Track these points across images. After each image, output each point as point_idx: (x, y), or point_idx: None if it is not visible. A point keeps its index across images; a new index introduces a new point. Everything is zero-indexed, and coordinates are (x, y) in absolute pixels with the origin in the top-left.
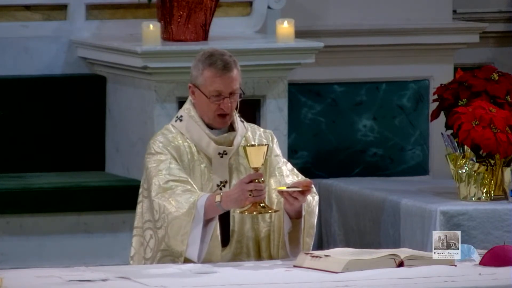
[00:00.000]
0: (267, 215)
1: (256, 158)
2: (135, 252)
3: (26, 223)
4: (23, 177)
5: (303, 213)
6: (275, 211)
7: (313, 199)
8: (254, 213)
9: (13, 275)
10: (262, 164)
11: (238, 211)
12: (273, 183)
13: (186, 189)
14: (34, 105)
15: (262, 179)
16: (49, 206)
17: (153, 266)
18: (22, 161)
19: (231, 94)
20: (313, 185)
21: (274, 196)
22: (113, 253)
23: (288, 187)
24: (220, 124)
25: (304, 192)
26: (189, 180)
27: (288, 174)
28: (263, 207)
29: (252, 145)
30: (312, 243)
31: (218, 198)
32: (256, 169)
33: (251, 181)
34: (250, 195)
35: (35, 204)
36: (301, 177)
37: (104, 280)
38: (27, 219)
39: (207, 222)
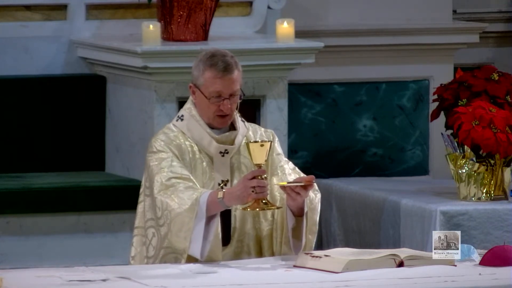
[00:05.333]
0: (269, 213)
1: (259, 155)
2: (136, 252)
3: (26, 223)
4: (23, 177)
5: (306, 209)
6: (278, 208)
7: (315, 196)
8: (257, 209)
9: (13, 275)
10: (265, 161)
11: (240, 208)
12: (275, 181)
13: (189, 186)
14: (34, 105)
15: (265, 175)
16: (49, 206)
17: (153, 266)
18: (22, 161)
19: (231, 95)
20: (315, 182)
21: (278, 194)
22: (113, 253)
23: (290, 182)
24: (219, 124)
25: (307, 187)
26: (191, 177)
27: (290, 173)
28: (265, 203)
29: (255, 142)
30: (315, 240)
31: (220, 195)
32: (259, 166)
33: (253, 178)
34: (252, 191)
35: (35, 204)
36: (303, 176)
37: (104, 280)
38: (27, 219)
39: (209, 219)
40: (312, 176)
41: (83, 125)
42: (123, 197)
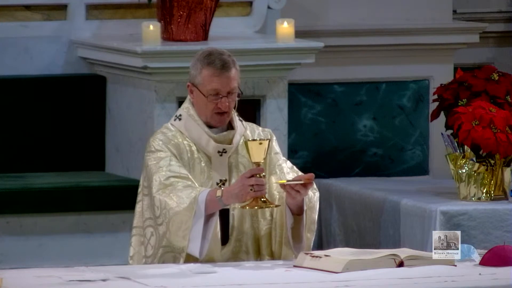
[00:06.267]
0: (267, 213)
1: (257, 153)
2: (135, 252)
3: (26, 223)
4: (23, 177)
5: (305, 208)
6: (276, 206)
7: (314, 194)
8: (255, 207)
9: (13, 275)
10: (264, 159)
11: (239, 206)
12: (274, 180)
13: (187, 185)
14: (34, 105)
15: (264, 174)
16: (49, 206)
17: (153, 266)
18: (22, 161)
19: (229, 93)
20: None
21: (276, 193)
22: (113, 253)
23: (290, 181)
24: (218, 123)
25: (306, 185)
26: (190, 176)
27: (288, 172)
28: (264, 202)
29: (254, 140)
30: (313, 238)
31: (219, 193)
32: (257, 164)
33: (252, 176)
34: (251, 190)
35: (35, 204)
36: (301, 174)
37: (104, 280)
38: (27, 219)
39: (208, 217)
40: (312, 174)
41: (83, 125)
42: (123, 197)
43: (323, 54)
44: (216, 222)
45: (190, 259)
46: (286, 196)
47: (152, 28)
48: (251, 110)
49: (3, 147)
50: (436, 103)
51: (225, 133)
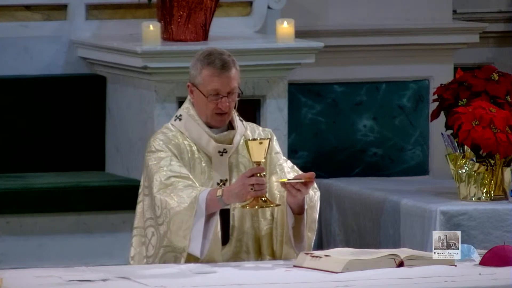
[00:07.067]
0: (268, 212)
1: (257, 153)
2: (136, 252)
3: (26, 223)
4: (23, 177)
5: (305, 207)
6: (277, 205)
7: (314, 194)
8: (256, 207)
9: (13, 275)
10: (264, 158)
11: (239, 206)
12: (274, 180)
13: (188, 184)
14: (34, 105)
15: (264, 173)
16: (49, 206)
17: (153, 266)
18: (22, 161)
19: (229, 93)
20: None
21: (277, 192)
22: (113, 253)
23: (290, 179)
24: (218, 123)
25: (307, 183)
26: (190, 176)
27: (289, 171)
28: (264, 201)
29: (254, 139)
30: (314, 237)
31: (219, 192)
32: (257, 163)
33: (252, 175)
34: (251, 189)
35: (35, 204)
36: (302, 173)
37: (104, 280)
38: (27, 219)
39: (209, 217)
40: (313, 173)
41: (83, 125)
42: (123, 197)
43: (323, 54)
44: (216, 221)
45: (191, 259)
46: (287, 195)
47: (152, 28)
48: (251, 110)
49: (3, 147)
50: (436, 103)
51: (225, 133)
